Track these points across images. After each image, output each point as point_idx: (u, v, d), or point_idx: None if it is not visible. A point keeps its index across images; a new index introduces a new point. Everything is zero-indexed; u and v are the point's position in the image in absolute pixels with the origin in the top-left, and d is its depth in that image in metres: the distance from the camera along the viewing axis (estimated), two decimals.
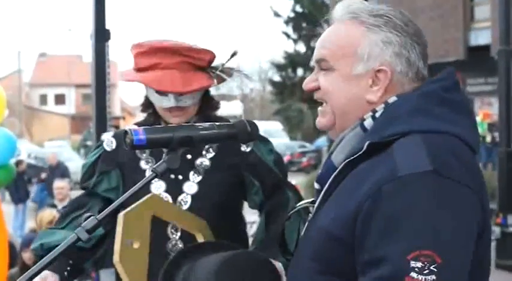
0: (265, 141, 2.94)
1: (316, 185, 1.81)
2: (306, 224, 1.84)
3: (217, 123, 1.95)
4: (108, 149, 2.91)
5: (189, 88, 2.77)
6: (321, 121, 1.84)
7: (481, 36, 21.11)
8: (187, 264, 2.07)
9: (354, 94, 1.75)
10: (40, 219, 7.89)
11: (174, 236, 2.77)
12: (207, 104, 2.92)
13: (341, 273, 1.62)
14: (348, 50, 1.75)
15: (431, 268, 1.48)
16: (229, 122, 2.12)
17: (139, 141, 1.82)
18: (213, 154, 2.85)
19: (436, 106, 1.70)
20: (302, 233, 1.85)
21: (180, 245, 2.74)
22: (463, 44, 21.50)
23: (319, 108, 1.83)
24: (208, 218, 2.66)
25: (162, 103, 2.80)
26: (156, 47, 2.78)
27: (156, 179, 2.73)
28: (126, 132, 1.84)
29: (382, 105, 1.73)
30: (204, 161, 2.84)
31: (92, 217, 1.73)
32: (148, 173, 2.67)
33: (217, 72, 2.86)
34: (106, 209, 1.78)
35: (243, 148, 2.87)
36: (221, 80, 2.90)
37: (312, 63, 1.84)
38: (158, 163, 1.83)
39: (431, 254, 1.49)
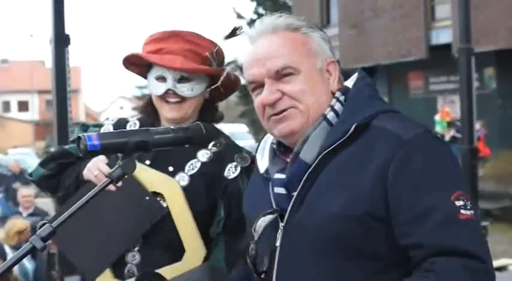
0: (249, 171, 2.59)
1: (283, 190, 1.81)
2: (280, 232, 1.81)
3: (172, 127, 1.92)
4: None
5: (186, 66, 2.74)
6: (291, 124, 1.85)
7: (442, 35, 21.25)
8: None
9: (322, 88, 1.91)
10: (9, 228, 7.79)
11: (132, 260, 2.74)
12: (208, 112, 2.84)
13: (375, 253, 1.74)
14: (303, 51, 1.89)
15: (468, 203, 1.70)
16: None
17: (93, 147, 1.79)
18: (195, 170, 2.76)
19: (378, 94, 1.97)
20: (277, 243, 1.82)
21: (135, 271, 2.71)
22: (424, 43, 21.61)
23: (283, 114, 1.86)
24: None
25: (158, 90, 2.74)
26: (168, 33, 2.80)
27: None
28: (79, 138, 1.81)
29: (335, 100, 1.91)
30: (183, 177, 2.75)
31: (47, 225, 1.70)
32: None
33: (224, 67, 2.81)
34: (61, 217, 1.74)
35: (227, 172, 2.76)
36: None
37: (263, 77, 1.86)
38: (113, 168, 1.81)
39: (464, 193, 1.71)
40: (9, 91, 62.51)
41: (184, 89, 2.73)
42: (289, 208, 1.79)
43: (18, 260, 1.67)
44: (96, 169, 2.55)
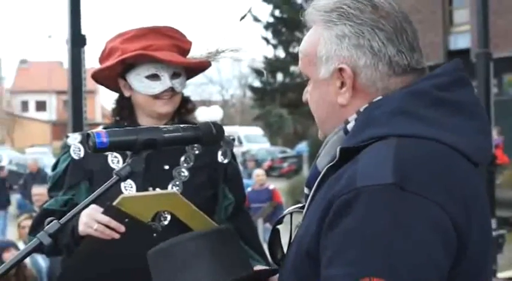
0: (234, 156, 2.87)
1: (306, 190, 1.67)
2: (294, 230, 1.70)
3: (181, 126, 1.90)
4: (75, 157, 2.70)
5: (189, 60, 2.70)
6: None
7: (461, 40, 21.18)
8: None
9: (327, 100, 1.60)
10: (18, 224, 8.07)
11: None
12: (184, 107, 2.80)
13: None
14: (311, 55, 1.62)
15: None
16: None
17: (101, 144, 1.78)
18: (191, 163, 2.72)
19: (424, 107, 1.50)
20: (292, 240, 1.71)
21: None
22: (442, 48, 21.58)
23: None
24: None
25: (154, 89, 2.65)
26: (145, 29, 2.69)
27: (133, 191, 2.62)
28: (88, 135, 1.81)
29: (366, 106, 1.55)
30: (183, 171, 2.71)
31: (55, 221, 1.70)
32: (122, 185, 2.61)
33: (214, 57, 2.77)
34: (69, 213, 1.75)
35: (220, 158, 2.77)
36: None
37: None
38: (122, 166, 1.80)
39: None
40: (27, 91, 63.02)
41: (178, 85, 2.69)
42: (305, 210, 1.64)
43: (25, 256, 1.67)
44: (94, 221, 2.40)
